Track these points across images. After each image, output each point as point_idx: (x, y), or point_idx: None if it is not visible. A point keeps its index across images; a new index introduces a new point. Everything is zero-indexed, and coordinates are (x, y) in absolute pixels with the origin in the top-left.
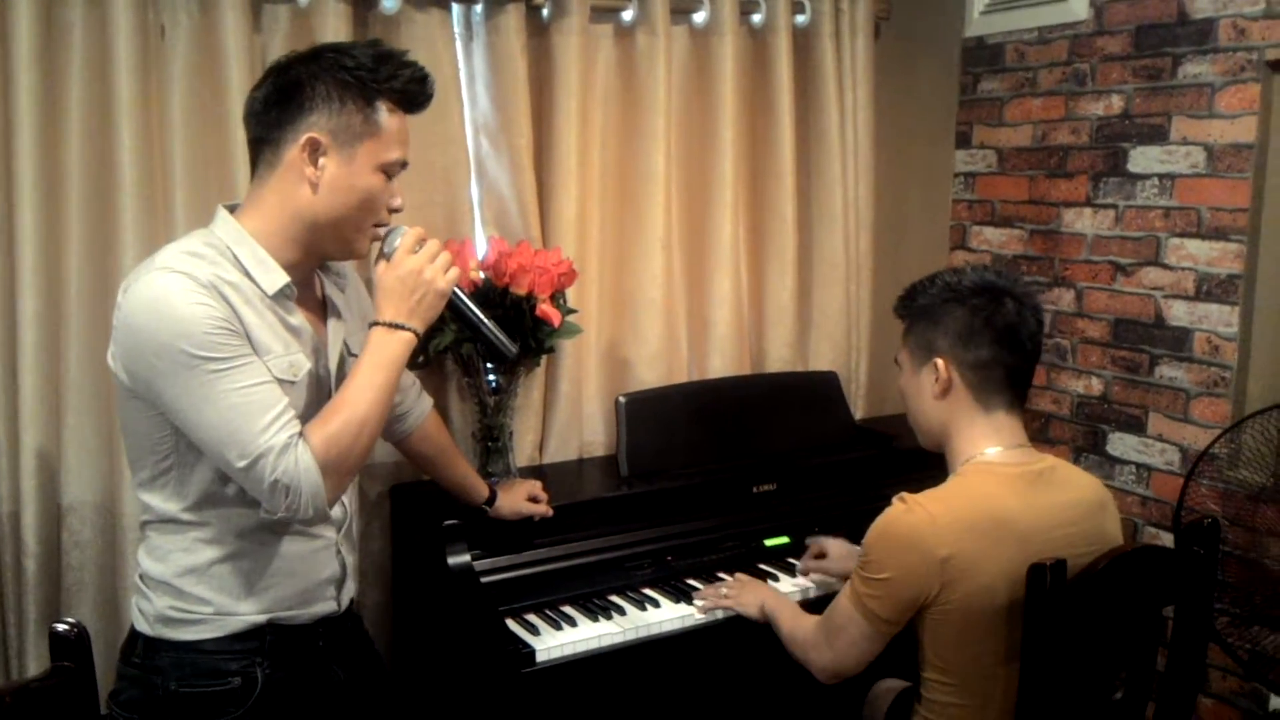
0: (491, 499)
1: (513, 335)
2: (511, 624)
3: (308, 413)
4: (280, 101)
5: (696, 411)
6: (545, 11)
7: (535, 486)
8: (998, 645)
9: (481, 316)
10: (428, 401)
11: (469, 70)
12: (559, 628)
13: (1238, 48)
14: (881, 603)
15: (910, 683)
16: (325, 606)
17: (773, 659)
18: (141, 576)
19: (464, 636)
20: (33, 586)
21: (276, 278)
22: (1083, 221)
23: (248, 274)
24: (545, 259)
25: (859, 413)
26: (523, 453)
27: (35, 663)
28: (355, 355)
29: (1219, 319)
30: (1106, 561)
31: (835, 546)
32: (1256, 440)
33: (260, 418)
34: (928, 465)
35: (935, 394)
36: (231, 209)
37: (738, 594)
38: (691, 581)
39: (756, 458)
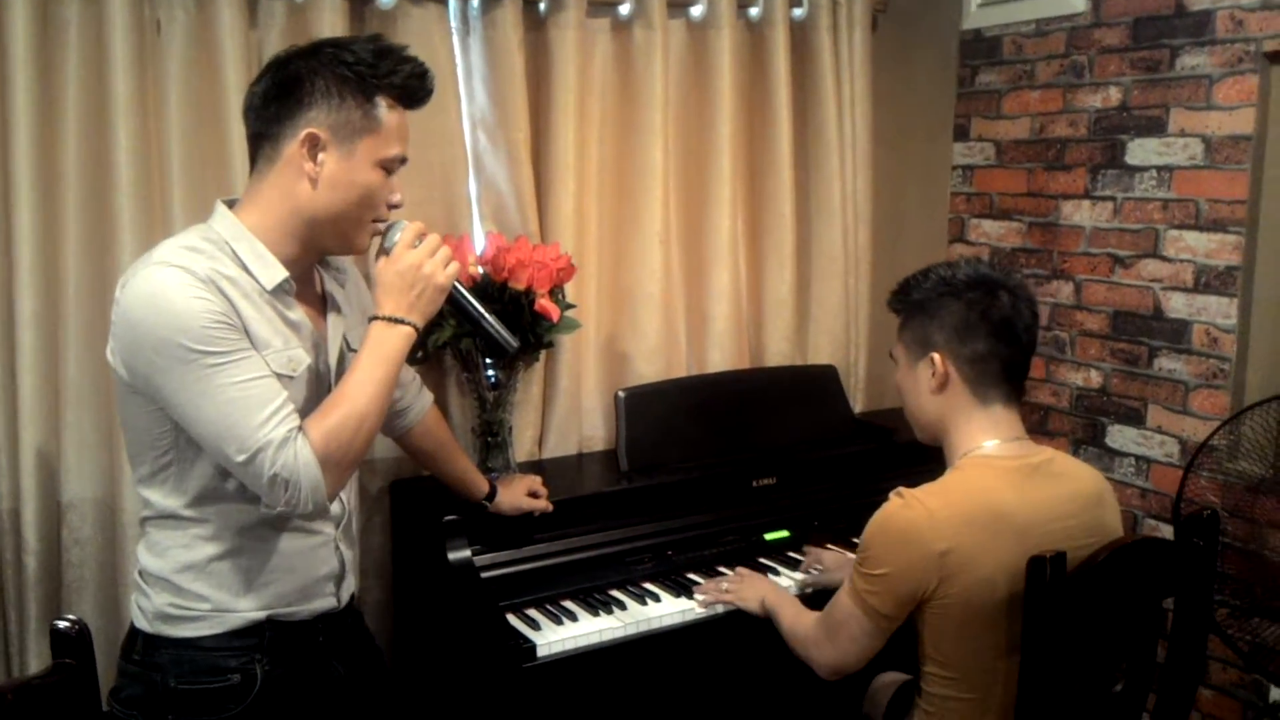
0: (491, 494)
1: (512, 330)
2: (512, 619)
3: (307, 408)
4: (279, 96)
5: (696, 406)
6: (542, 6)
7: (535, 481)
8: (997, 638)
9: (482, 310)
10: (428, 397)
11: (466, 65)
12: (559, 622)
13: (1235, 39)
14: (881, 598)
15: (911, 676)
16: (325, 603)
17: (773, 653)
18: (140, 573)
19: (465, 631)
20: (33, 584)
21: (275, 273)
22: (1081, 214)
23: (246, 269)
24: (544, 254)
25: (858, 406)
26: (522, 448)
27: (36, 660)
28: (355, 350)
29: (1218, 311)
30: (1106, 554)
31: (829, 557)
32: (1256, 432)
33: (259, 412)
34: (927, 459)
35: (932, 388)
36: (230, 204)
37: (738, 589)
38: (692, 576)
39: (756, 452)
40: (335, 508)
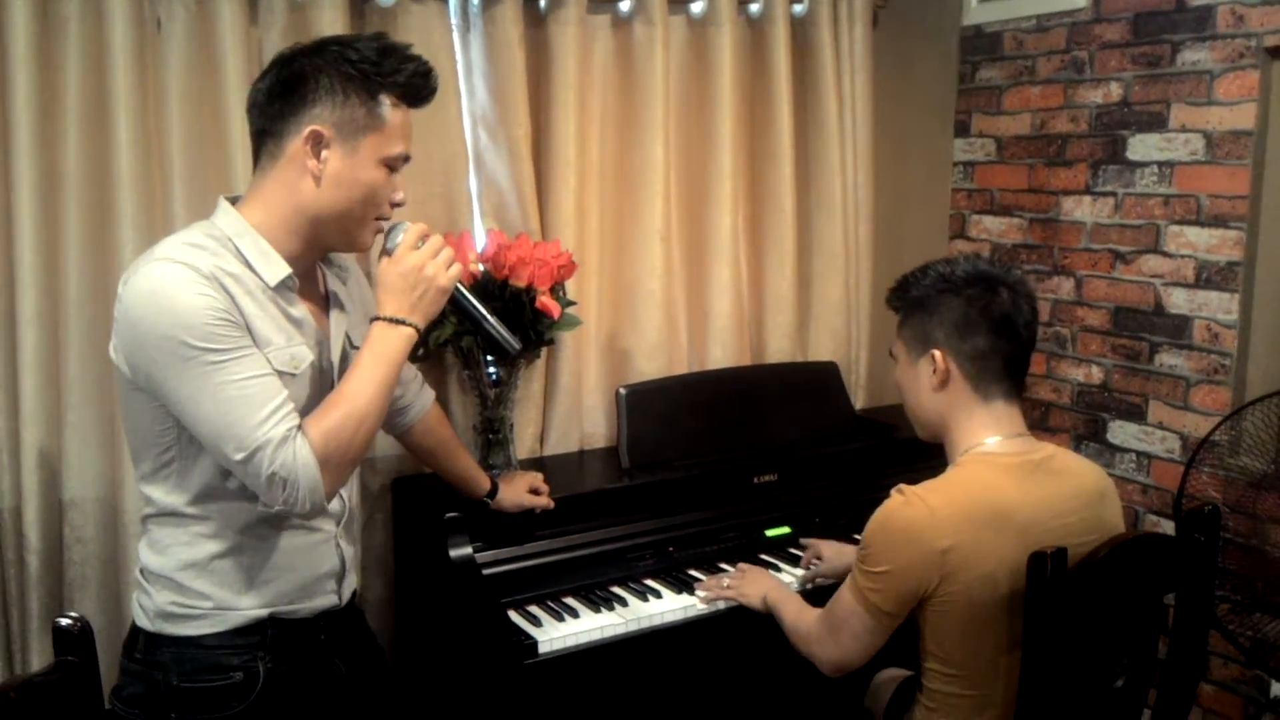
0: (493, 491)
1: (513, 328)
2: (514, 615)
3: (309, 405)
4: (284, 94)
5: (697, 402)
6: (542, 2)
7: (536, 478)
8: (999, 635)
9: (485, 312)
10: (430, 394)
11: (466, 62)
12: (561, 619)
13: (1236, 34)
14: (882, 596)
15: (912, 672)
16: (326, 600)
17: (775, 649)
18: (142, 571)
19: (466, 628)
20: (35, 582)
21: (278, 269)
22: (1082, 210)
23: (249, 265)
24: (544, 251)
25: (859, 403)
26: (523, 445)
27: (38, 658)
28: (357, 348)
29: (1219, 306)
30: (1107, 550)
31: (828, 548)
32: (1257, 427)
33: (258, 410)
34: (928, 456)
35: (933, 386)
36: (233, 201)
37: (740, 585)
38: (693, 572)
39: (757, 448)
40: (335, 505)
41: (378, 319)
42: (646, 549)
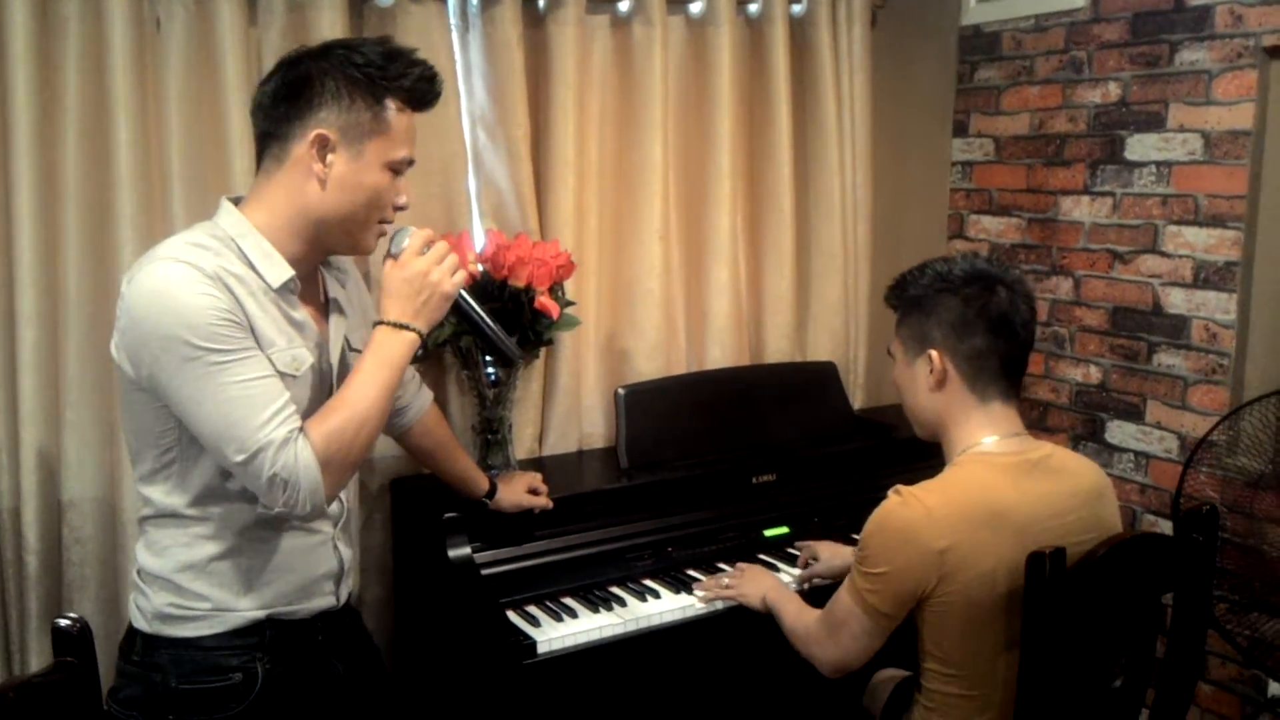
0: (492, 492)
1: (511, 328)
2: (512, 616)
3: (310, 408)
4: (289, 96)
5: (696, 403)
6: (541, 2)
7: (535, 479)
8: (997, 634)
9: (488, 321)
10: (428, 395)
11: (465, 62)
12: (560, 619)
13: (1235, 34)
14: (880, 597)
15: (910, 672)
16: (324, 601)
17: (773, 649)
18: (139, 572)
19: (465, 629)
20: (34, 582)
21: (281, 271)
22: (1080, 210)
23: (252, 266)
24: (543, 251)
25: (857, 403)
26: (522, 445)
27: (37, 658)
28: (356, 351)
29: (1217, 306)
30: (1105, 549)
31: (824, 549)
32: (1255, 427)
33: (261, 412)
34: (926, 455)
35: (930, 385)
36: (235, 202)
37: (739, 585)
38: (692, 572)
39: (756, 448)
40: (334, 507)
41: (381, 323)
42: (645, 549)
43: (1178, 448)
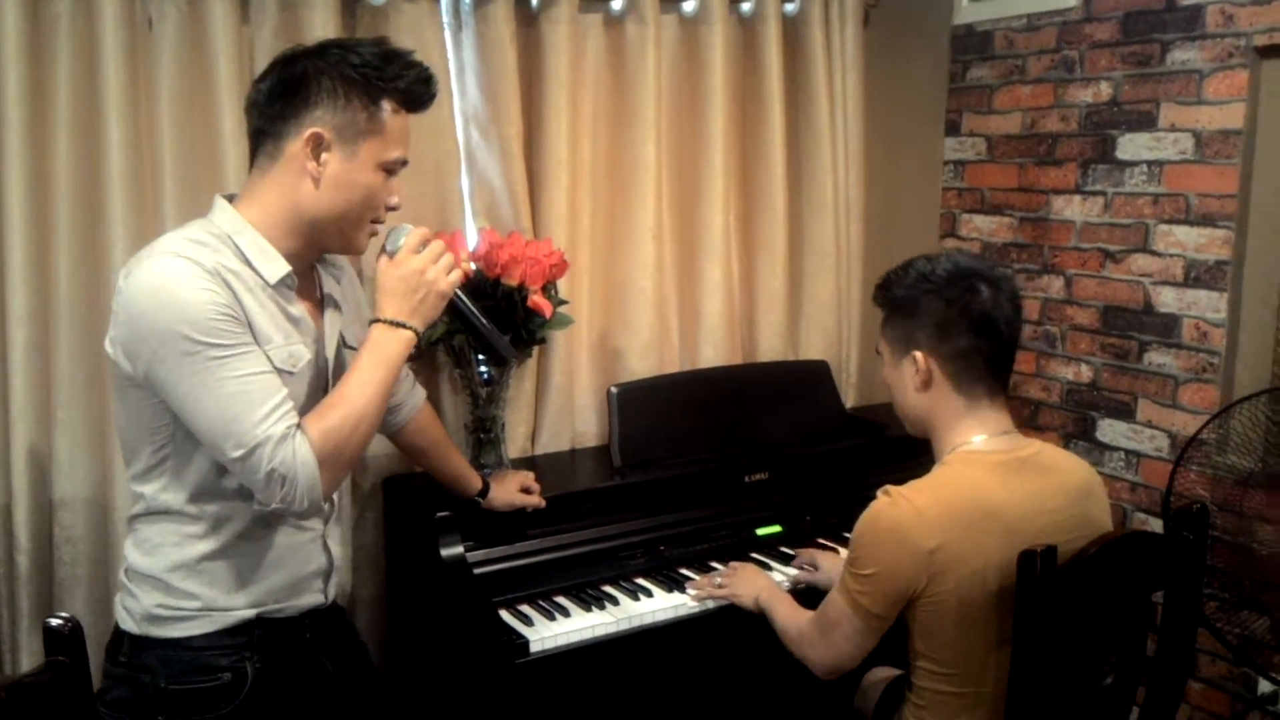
0: (484, 490)
1: (504, 327)
2: (505, 615)
3: (306, 404)
4: (284, 95)
5: (688, 401)
6: (534, 1)
7: (528, 478)
8: (988, 633)
9: (482, 319)
10: (421, 394)
11: (458, 60)
12: (552, 618)
13: (1226, 34)
14: (871, 598)
15: (901, 671)
16: (313, 599)
17: (766, 648)
18: (127, 572)
19: (458, 628)
20: (25, 582)
21: (278, 267)
22: (1072, 209)
23: (249, 263)
24: (536, 250)
25: (850, 401)
26: (515, 444)
27: (29, 658)
28: (351, 348)
29: (1207, 305)
30: (1096, 547)
31: (826, 559)
32: (1245, 425)
33: (259, 407)
34: (918, 454)
35: (917, 386)
36: (229, 199)
37: (732, 584)
38: (684, 571)
39: (748, 447)
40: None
41: (377, 321)
42: (638, 548)
43: (1168, 446)
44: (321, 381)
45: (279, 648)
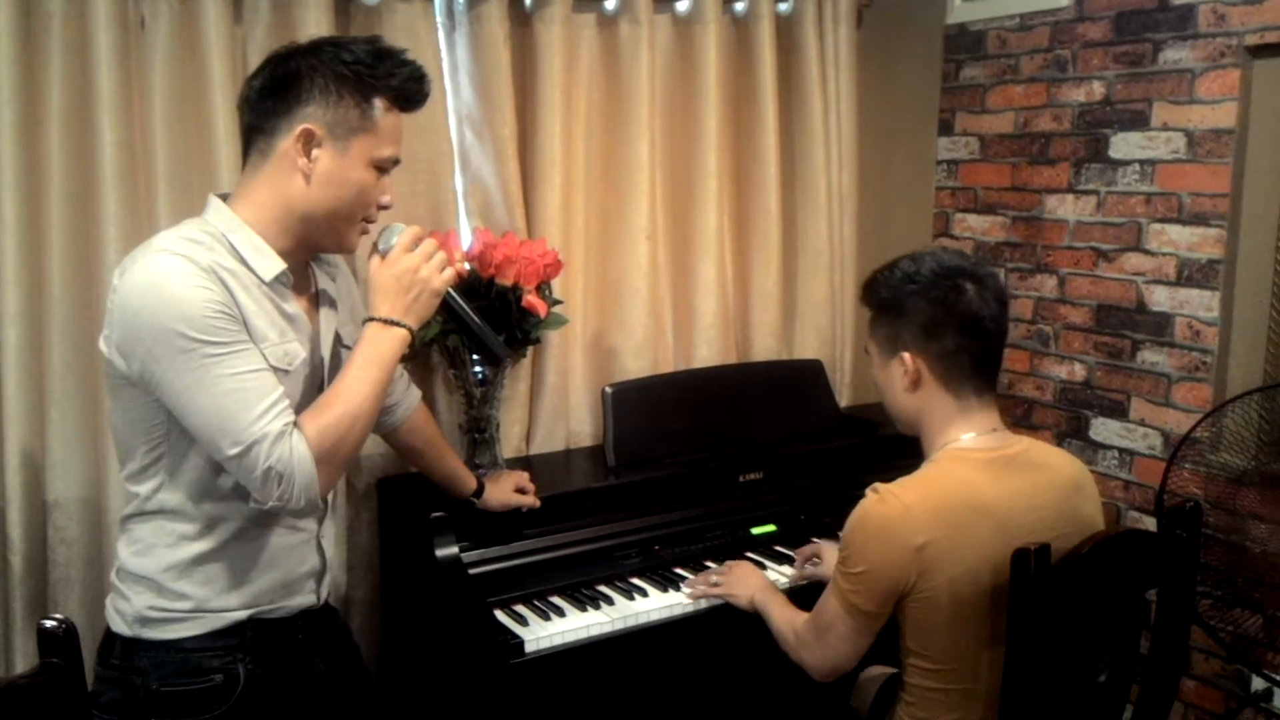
0: (479, 491)
1: (499, 327)
2: (500, 615)
3: (301, 403)
4: (276, 91)
5: (683, 401)
6: (528, 1)
7: (522, 478)
8: (979, 630)
9: (476, 318)
10: (416, 394)
11: (452, 60)
12: (547, 618)
13: (1218, 33)
14: (863, 596)
15: (897, 669)
16: (305, 600)
17: (761, 647)
18: (119, 572)
19: (453, 628)
20: (19, 583)
21: (273, 264)
22: (1065, 208)
23: (244, 261)
24: (531, 250)
25: (844, 400)
26: (510, 444)
27: (23, 659)
28: (347, 347)
29: (1200, 304)
30: (1090, 546)
31: (829, 551)
32: (1238, 424)
33: (255, 405)
34: (912, 452)
35: (905, 386)
36: (223, 199)
37: (728, 584)
38: (679, 571)
39: (743, 446)
40: None
41: (371, 319)
42: (633, 547)
43: (1161, 444)
44: (317, 380)
45: (271, 649)
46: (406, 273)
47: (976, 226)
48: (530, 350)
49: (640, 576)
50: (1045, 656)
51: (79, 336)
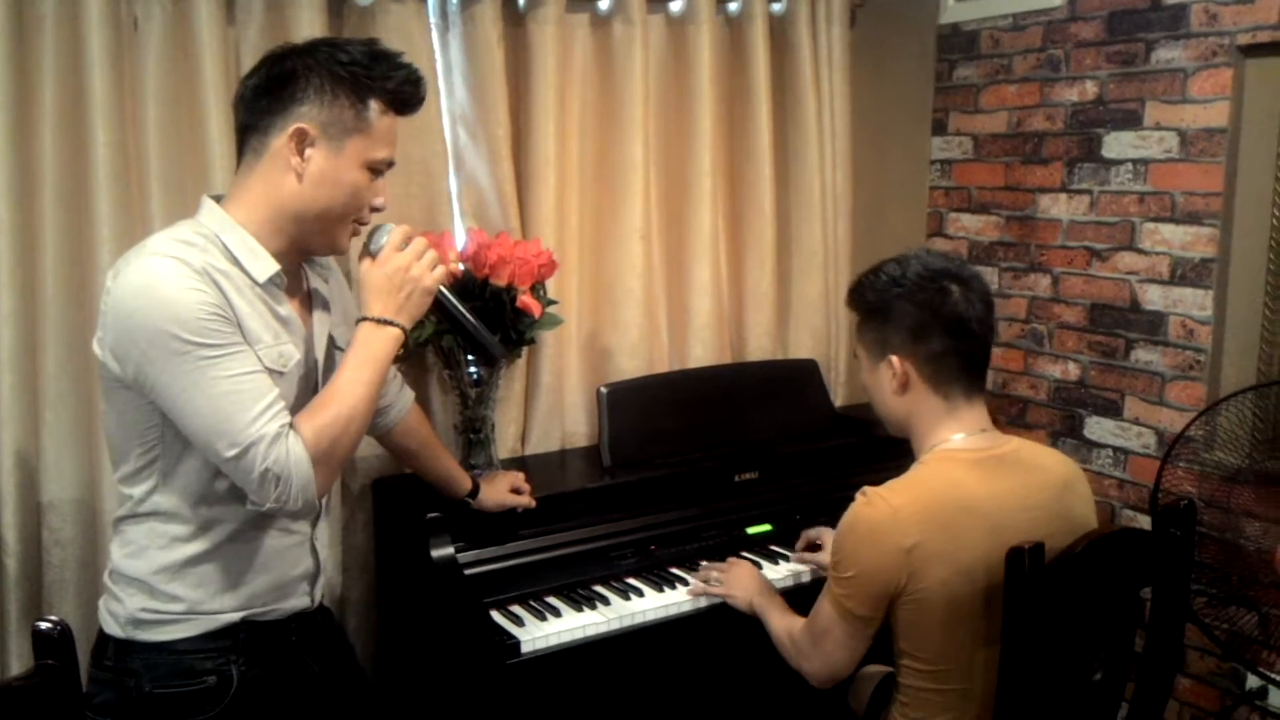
0: (474, 491)
1: (493, 327)
2: (496, 615)
3: (296, 404)
4: (271, 90)
5: (678, 401)
6: (521, 1)
7: (518, 478)
8: (973, 630)
9: (469, 316)
10: (409, 395)
11: (445, 61)
12: (543, 619)
13: (1210, 33)
14: (855, 600)
15: (892, 669)
16: (299, 602)
17: (758, 646)
18: (112, 574)
19: (449, 629)
20: (14, 585)
21: (266, 266)
22: (1058, 207)
23: (237, 263)
24: (525, 250)
25: (838, 400)
26: (505, 444)
27: (18, 661)
28: (340, 348)
29: (1193, 303)
30: (1084, 544)
31: (830, 536)
32: (1231, 422)
33: (251, 407)
34: (907, 452)
35: (894, 389)
36: (217, 200)
37: (728, 585)
38: (675, 570)
39: (738, 446)
40: None
41: (364, 320)
42: (628, 547)
43: (1155, 443)
44: (311, 381)
45: (264, 651)
46: (397, 271)
47: (970, 226)
48: (525, 351)
49: (636, 576)
50: (1040, 655)
51: (73, 337)
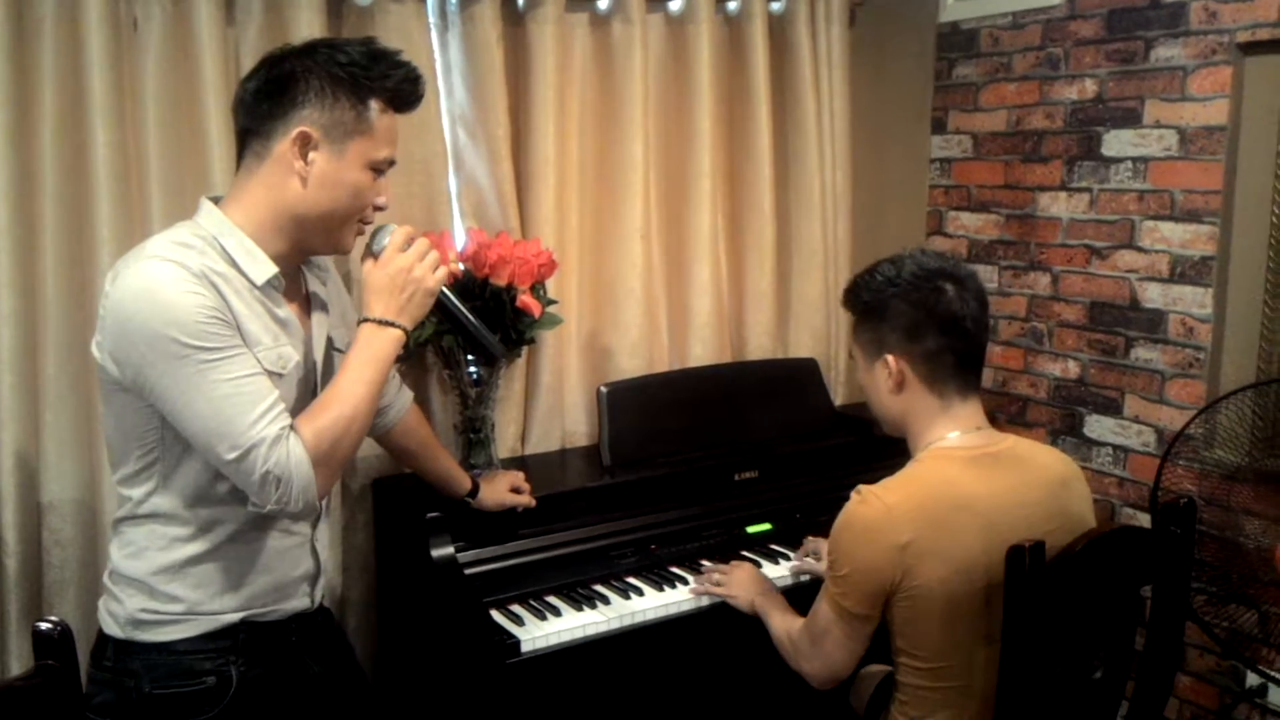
0: (474, 491)
1: (493, 327)
2: (496, 615)
3: (295, 406)
4: (272, 93)
5: (678, 400)
6: (520, 1)
7: (518, 477)
8: (972, 628)
9: (471, 317)
10: (408, 395)
11: (445, 61)
12: (544, 618)
13: (1209, 31)
14: (851, 599)
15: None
16: (299, 603)
17: (758, 645)
18: (111, 575)
19: (449, 629)
20: (14, 585)
21: (265, 268)
22: (1058, 205)
23: (235, 265)
24: (525, 250)
25: (838, 399)
26: (505, 444)
27: (18, 662)
28: (339, 350)
29: (1193, 301)
30: (1084, 543)
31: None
32: (1231, 420)
33: (252, 409)
34: (906, 451)
35: (890, 388)
36: (215, 201)
37: (730, 586)
38: (675, 570)
39: (738, 445)
40: None
41: (366, 320)
42: (628, 547)
43: (1155, 441)
44: (310, 383)
45: (264, 651)
46: (400, 273)
47: (970, 224)
48: (525, 350)
49: (636, 575)
50: (1040, 653)
51: (73, 338)
